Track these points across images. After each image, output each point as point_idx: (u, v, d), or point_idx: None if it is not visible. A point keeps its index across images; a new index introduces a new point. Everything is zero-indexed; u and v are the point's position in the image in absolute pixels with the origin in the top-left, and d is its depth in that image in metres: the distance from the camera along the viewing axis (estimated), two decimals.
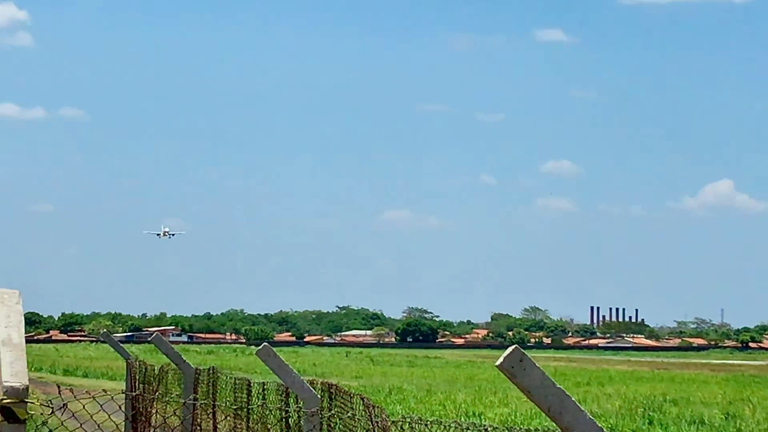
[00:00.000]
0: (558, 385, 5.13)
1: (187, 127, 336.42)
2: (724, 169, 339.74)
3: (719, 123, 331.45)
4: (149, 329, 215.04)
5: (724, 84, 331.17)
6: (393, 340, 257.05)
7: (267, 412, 13.99)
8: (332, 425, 10.90)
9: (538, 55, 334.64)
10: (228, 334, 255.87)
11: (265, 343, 11.52)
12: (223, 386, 16.86)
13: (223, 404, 15.49)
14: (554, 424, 5.26)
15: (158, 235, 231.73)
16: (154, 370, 22.66)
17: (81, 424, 6.64)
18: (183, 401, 14.62)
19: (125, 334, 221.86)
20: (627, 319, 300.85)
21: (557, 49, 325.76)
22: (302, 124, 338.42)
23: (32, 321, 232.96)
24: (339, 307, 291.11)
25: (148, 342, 24.87)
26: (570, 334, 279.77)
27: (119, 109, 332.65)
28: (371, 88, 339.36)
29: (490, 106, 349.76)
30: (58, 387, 6.49)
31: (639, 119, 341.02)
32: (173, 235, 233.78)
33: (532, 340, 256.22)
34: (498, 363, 5.10)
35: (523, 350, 5.14)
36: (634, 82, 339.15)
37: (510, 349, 5.12)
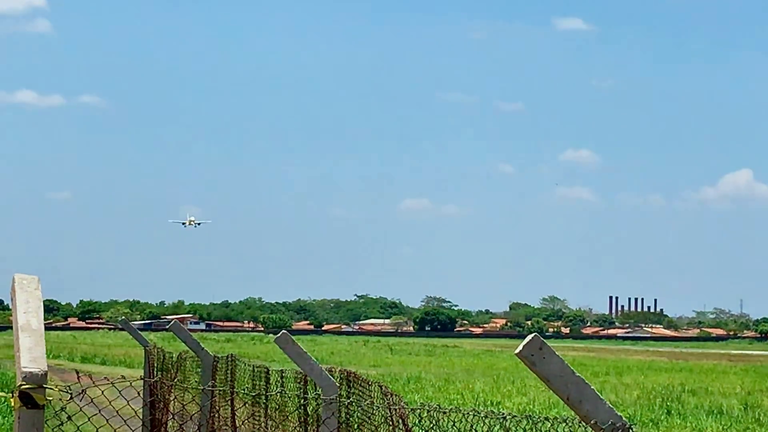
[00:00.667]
0: (578, 374, 5.10)
1: (204, 116, 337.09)
2: (744, 158, 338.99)
3: (738, 113, 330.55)
4: (167, 317, 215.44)
5: (743, 73, 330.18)
6: (411, 329, 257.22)
7: (285, 400, 14.00)
8: (350, 412, 10.89)
9: (557, 44, 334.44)
10: (246, 322, 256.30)
11: (283, 331, 11.51)
12: (242, 374, 16.86)
13: (242, 391, 15.50)
14: (573, 413, 5.23)
15: (183, 224, 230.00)
16: (172, 357, 22.70)
17: (99, 410, 6.64)
18: (201, 388, 14.64)
19: (143, 321, 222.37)
20: (646, 309, 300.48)
21: (577, 38, 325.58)
22: (321, 113, 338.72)
23: (50, 308, 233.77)
24: (357, 296, 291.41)
25: (167, 330, 24.93)
26: (588, 323, 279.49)
27: (137, 96, 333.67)
28: (390, 76, 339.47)
29: (509, 95, 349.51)
30: (77, 373, 6.49)
31: (658, 109, 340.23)
32: (199, 224, 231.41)
33: (551, 329, 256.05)
34: (517, 351, 5.08)
35: (542, 338, 5.11)
36: (653, 71, 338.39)
37: (530, 337, 5.09)
